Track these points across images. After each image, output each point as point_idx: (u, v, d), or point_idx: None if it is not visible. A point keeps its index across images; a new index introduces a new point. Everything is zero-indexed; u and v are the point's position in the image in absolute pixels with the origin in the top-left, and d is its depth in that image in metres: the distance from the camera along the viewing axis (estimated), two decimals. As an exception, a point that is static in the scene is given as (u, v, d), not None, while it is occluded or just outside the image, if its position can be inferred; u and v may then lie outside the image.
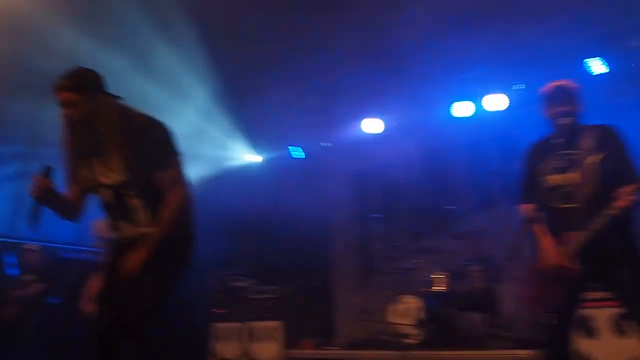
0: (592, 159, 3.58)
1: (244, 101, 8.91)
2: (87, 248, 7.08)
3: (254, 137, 10.16)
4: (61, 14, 7.04)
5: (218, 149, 10.08)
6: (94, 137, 3.20)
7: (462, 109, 8.50)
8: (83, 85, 3.20)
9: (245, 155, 10.66)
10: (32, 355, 7.66)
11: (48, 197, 3.25)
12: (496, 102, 8.19)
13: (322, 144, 9.21)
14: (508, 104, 8.11)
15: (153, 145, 3.22)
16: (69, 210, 3.42)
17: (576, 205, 3.57)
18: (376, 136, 9.35)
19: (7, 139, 8.93)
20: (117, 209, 3.30)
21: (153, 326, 3.16)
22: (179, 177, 3.27)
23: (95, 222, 6.71)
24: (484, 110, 8.32)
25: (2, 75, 7.56)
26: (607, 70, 7.42)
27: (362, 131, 9.35)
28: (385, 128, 9.30)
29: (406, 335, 7.05)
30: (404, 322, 7.18)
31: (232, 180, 10.20)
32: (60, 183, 3.33)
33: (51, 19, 6.94)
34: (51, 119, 3.47)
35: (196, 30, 7.62)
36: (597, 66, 7.43)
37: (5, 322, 7.82)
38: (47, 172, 3.23)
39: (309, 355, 7.77)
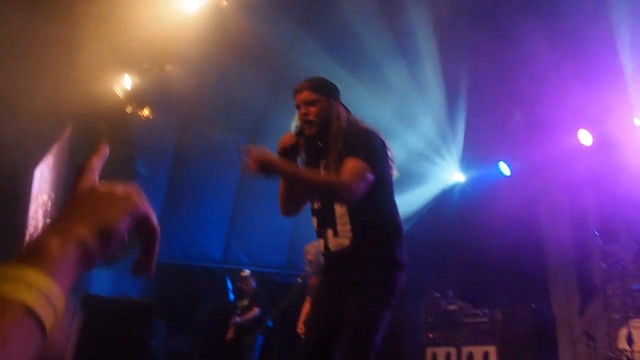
0: None
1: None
2: (299, 272, 7.36)
3: (463, 154, 10.04)
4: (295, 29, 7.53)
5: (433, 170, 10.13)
6: (323, 141, 3.28)
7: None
8: (323, 88, 3.30)
9: (451, 175, 10.56)
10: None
11: (290, 155, 3.28)
12: None
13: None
14: None
15: (360, 147, 3.12)
16: (291, 196, 3.35)
17: None
18: (588, 148, 8.81)
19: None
20: (324, 217, 3.27)
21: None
22: (360, 172, 3.01)
23: (308, 246, 7.00)
24: None
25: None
26: None
27: (573, 143, 8.86)
28: (595, 140, 8.74)
29: (638, 364, 6.49)
30: (635, 348, 6.62)
31: (439, 201, 10.14)
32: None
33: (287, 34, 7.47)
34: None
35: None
36: None
37: (227, 345, 8.37)
38: (300, 132, 3.29)
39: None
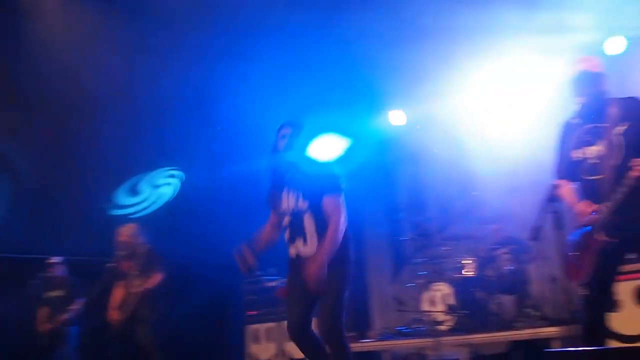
0: (617, 131, 3.60)
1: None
2: (107, 258, 7.11)
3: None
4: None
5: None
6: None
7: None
8: (295, 125, 4.31)
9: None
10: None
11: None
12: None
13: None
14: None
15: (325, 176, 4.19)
16: (270, 242, 4.45)
17: (602, 176, 3.59)
18: (400, 128, 9.39)
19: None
20: (294, 229, 4.14)
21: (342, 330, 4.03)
22: (338, 205, 4.10)
23: (121, 228, 6.92)
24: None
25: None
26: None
27: (385, 124, 9.38)
28: (407, 120, 9.33)
29: (439, 322, 7.08)
30: (436, 309, 7.21)
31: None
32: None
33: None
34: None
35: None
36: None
37: (43, 338, 7.90)
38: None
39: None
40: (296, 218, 4.13)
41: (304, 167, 4.20)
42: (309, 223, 4.08)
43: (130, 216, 9.25)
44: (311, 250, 4.07)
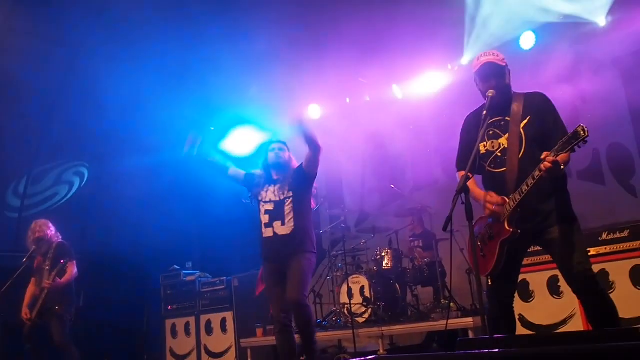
0: (519, 124, 3.68)
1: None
2: (21, 254, 6.89)
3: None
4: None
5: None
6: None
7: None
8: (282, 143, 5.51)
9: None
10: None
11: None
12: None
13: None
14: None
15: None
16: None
17: (506, 169, 3.66)
18: (316, 122, 9.41)
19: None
20: (274, 214, 5.22)
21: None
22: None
23: (35, 224, 6.64)
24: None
25: None
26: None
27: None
28: (323, 113, 9.37)
29: (357, 314, 7.13)
30: (353, 301, 7.25)
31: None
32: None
33: None
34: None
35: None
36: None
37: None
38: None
39: (262, 343, 7.78)
40: (279, 205, 5.25)
41: (288, 170, 5.35)
42: (288, 209, 5.22)
43: (42, 211, 8.97)
44: (286, 230, 5.18)
